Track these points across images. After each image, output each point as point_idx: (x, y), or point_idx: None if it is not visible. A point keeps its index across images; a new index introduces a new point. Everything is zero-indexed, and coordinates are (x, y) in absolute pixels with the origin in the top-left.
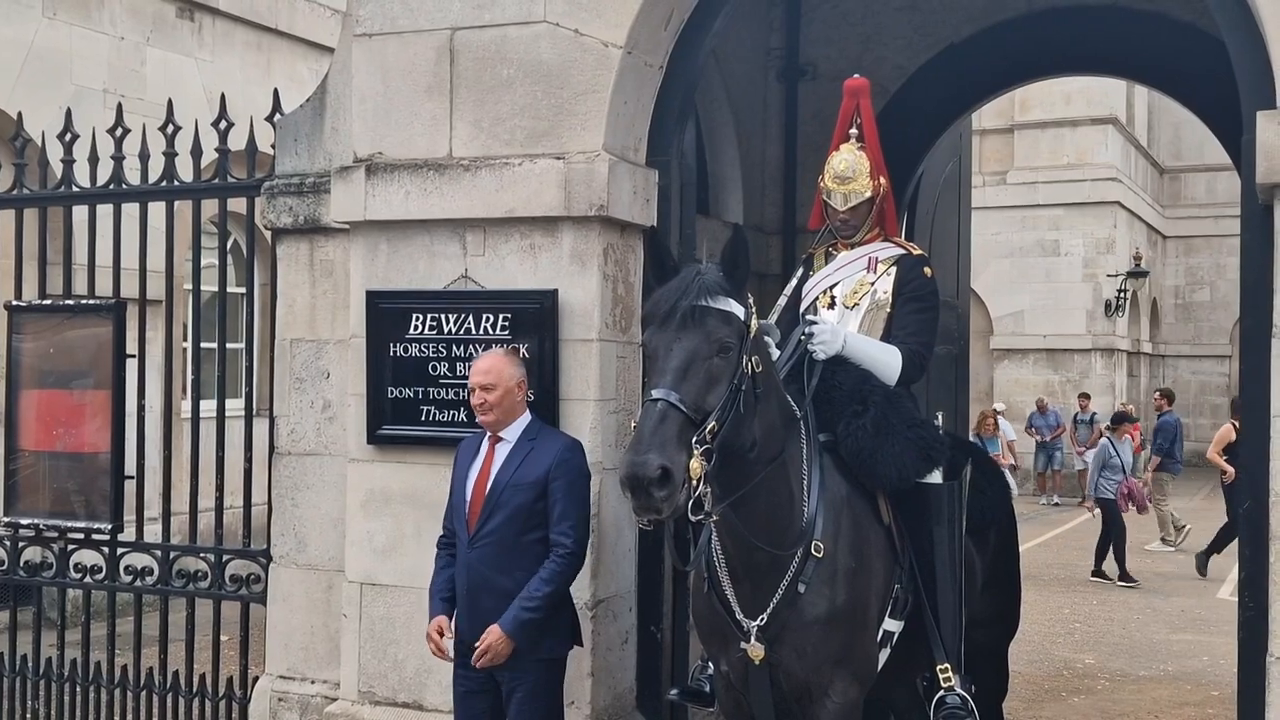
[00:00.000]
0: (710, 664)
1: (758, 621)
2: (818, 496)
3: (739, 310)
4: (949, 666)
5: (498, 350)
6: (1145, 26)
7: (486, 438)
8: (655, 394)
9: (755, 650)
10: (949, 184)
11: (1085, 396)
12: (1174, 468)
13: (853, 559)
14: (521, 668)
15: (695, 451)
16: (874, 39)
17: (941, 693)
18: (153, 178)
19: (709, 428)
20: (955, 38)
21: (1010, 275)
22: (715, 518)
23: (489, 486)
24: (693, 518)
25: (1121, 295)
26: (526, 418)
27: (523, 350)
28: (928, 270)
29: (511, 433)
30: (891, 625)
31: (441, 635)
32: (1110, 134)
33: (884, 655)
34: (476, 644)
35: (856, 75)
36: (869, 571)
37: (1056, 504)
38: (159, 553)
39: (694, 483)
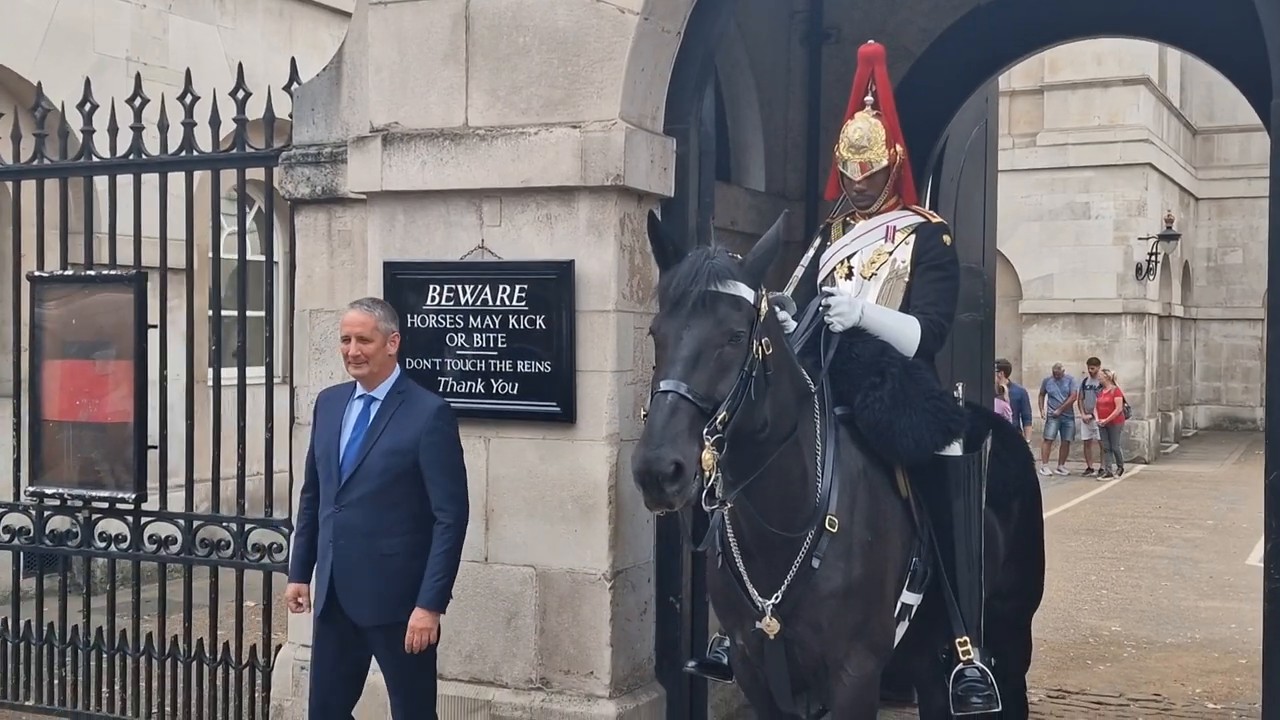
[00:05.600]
0: (727, 637)
1: (772, 600)
2: (832, 470)
3: (748, 294)
4: (968, 639)
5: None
6: None
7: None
8: (665, 385)
9: (770, 625)
10: (975, 148)
11: (1095, 363)
12: None
13: (869, 532)
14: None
15: (707, 442)
16: (899, 1)
17: (960, 665)
18: (172, 147)
19: (720, 417)
20: None
21: (1040, 238)
22: (730, 505)
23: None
24: (707, 508)
25: (1152, 258)
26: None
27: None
28: (947, 238)
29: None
30: (910, 598)
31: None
32: (1142, 95)
33: (902, 628)
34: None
35: (871, 41)
36: (886, 544)
37: (1067, 474)
38: (182, 522)
39: (707, 474)
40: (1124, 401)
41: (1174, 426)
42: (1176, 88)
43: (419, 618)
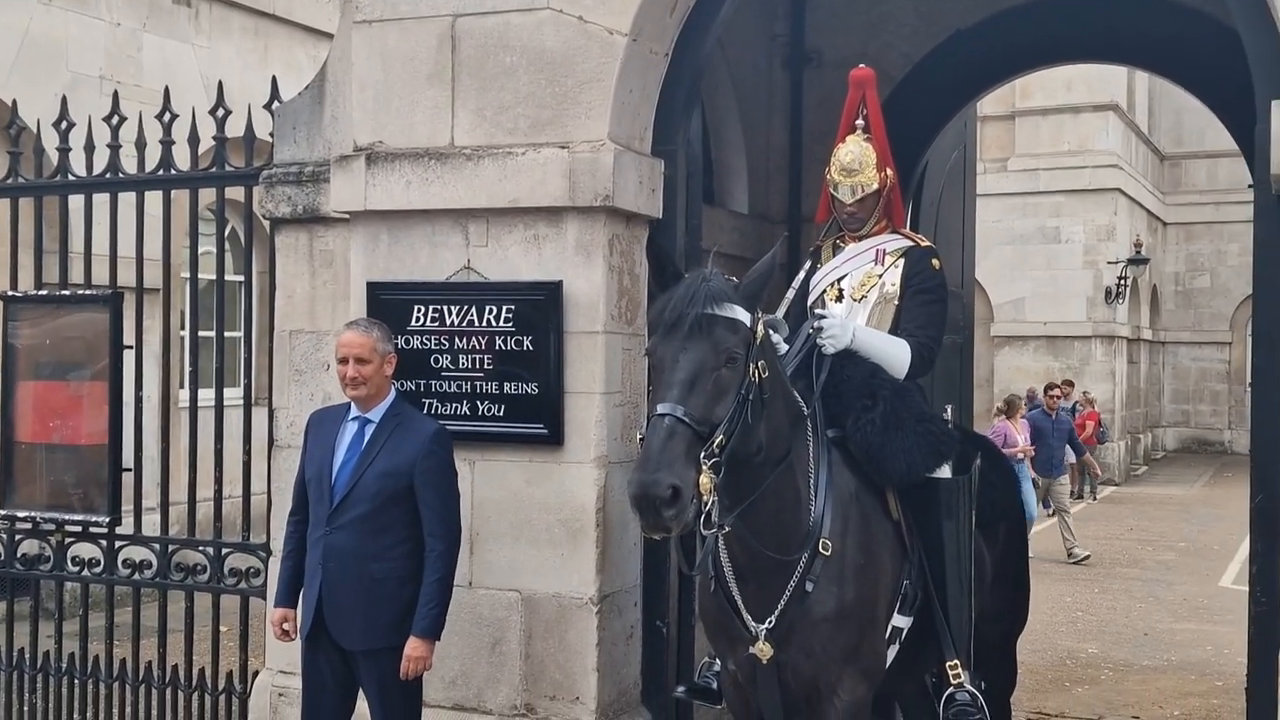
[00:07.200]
0: (717, 661)
1: (766, 625)
2: (825, 493)
3: (745, 317)
4: (958, 663)
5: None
6: (1154, 13)
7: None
8: (661, 409)
9: (764, 650)
10: (954, 172)
11: (1068, 384)
12: None
13: (861, 555)
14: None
15: (704, 466)
16: (880, 26)
17: (951, 690)
18: (149, 166)
19: (717, 441)
20: (962, 24)
21: (1011, 262)
22: (727, 529)
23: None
24: (704, 533)
25: (1122, 282)
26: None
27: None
28: (936, 262)
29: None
30: (900, 621)
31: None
32: (1111, 120)
33: (893, 652)
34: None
35: (862, 65)
36: (877, 568)
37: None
38: (157, 546)
39: (704, 498)
40: (1097, 425)
41: (1143, 449)
42: (1145, 114)
43: (414, 646)
